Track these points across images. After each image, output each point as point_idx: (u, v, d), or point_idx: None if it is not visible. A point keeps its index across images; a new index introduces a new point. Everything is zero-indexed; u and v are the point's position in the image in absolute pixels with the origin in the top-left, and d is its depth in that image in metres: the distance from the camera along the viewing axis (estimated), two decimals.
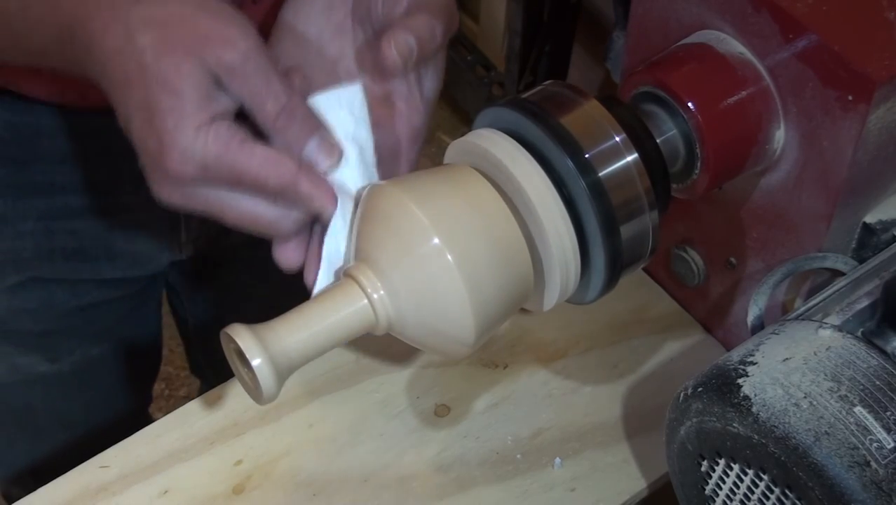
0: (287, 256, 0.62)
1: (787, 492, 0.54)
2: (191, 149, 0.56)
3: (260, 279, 0.60)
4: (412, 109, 0.65)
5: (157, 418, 0.74)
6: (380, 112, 0.65)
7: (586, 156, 0.58)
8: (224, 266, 1.02)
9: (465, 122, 2.17)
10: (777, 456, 0.53)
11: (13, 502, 0.69)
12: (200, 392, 1.31)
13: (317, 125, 0.60)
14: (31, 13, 0.60)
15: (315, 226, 0.62)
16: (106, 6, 0.57)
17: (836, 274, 0.65)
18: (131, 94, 0.57)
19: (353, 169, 0.62)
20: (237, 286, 1.05)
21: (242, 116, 0.58)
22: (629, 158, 0.59)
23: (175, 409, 0.73)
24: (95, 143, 0.82)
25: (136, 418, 1.07)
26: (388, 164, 0.65)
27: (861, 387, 0.53)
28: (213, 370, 1.23)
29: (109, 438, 0.72)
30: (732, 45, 0.63)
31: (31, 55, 0.63)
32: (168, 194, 0.58)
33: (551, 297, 0.61)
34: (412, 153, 0.66)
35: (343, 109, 0.62)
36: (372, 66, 0.65)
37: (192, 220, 0.90)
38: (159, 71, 0.55)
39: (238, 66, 0.56)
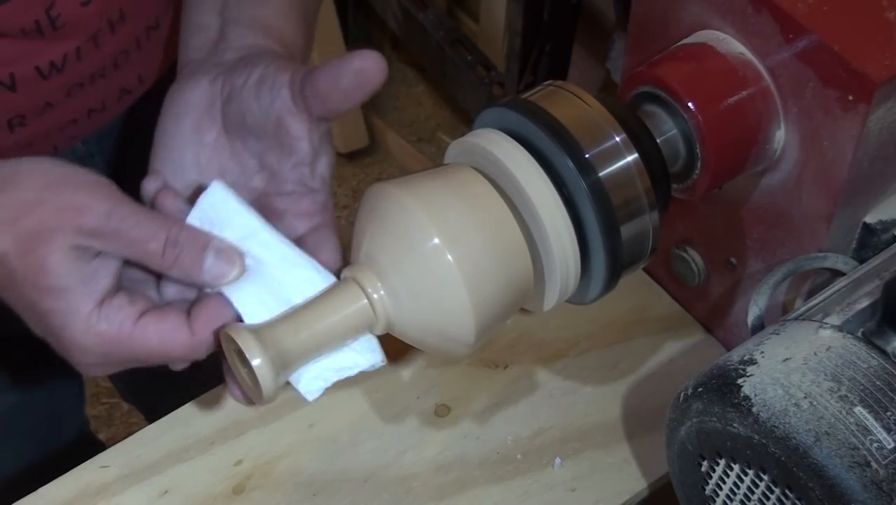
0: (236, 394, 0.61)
1: (788, 492, 0.54)
2: (85, 344, 0.55)
3: None
4: (311, 189, 0.63)
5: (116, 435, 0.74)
6: (279, 202, 0.63)
7: (586, 156, 0.58)
8: None
9: (465, 122, 2.17)
10: (777, 456, 0.53)
11: (13, 503, 0.69)
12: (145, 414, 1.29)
13: (206, 240, 0.57)
14: None
15: None
16: None
17: (837, 274, 0.65)
18: (12, 299, 0.56)
19: (267, 248, 0.59)
20: None
21: None
22: (629, 158, 0.59)
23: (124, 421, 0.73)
24: None
25: (76, 445, 1.06)
26: (309, 240, 0.62)
27: (861, 387, 0.53)
28: (138, 399, 1.21)
29: (53, 470, 0.72)
30: (733, 45, 0.63)
31: None
32: (91, 370, 0.58)
33: (551, 297, 0.61)
34: (329, 223, 0.63)
35: (220, 210, 0.59)
36: (267, 164, 0.63)
37: None
38: (27, 273, 0.54)
39: (103, 226, 0.54)
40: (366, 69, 0.57)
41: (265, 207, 0.62)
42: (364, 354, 0.59)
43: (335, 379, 0.59)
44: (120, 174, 0.64)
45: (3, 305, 0.79)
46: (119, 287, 0.57)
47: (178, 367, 0.59)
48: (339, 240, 0.62)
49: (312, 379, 0.59)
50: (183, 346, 0.56)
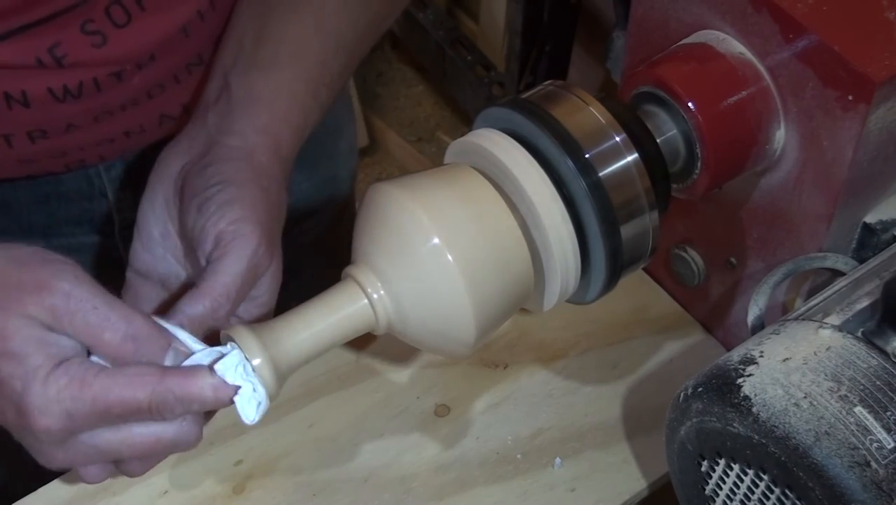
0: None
1: (788, 492, 0.54)
2: (45, 402, 0.53)
3: None
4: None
5: None
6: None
7: (586, 156, 0.58)
8: None
9: (465, 122, 2.17)
10: (777, 456, 0.53)
11: (12, 503, 0.69)
12: None
13: (167, 340, 0.55)
14: None
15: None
16: None
17: (837, 274, 0.65)
18: None
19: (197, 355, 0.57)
20: None
21: None
22: (629, 158, 0.59)
23: None
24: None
25: None
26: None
27: (861, 387, 0.53)
28: None
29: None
30: (732, 45, 0.63)
31: None
32: (54, 460, 0.56)
33: (551, 297, 0.61)
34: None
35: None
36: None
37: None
38: None
39: (61, 307, 0.53)
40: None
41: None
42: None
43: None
44: None
45: None
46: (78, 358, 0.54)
47: (166, 433, 0.55)
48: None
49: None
50: (151, 383, 0.53)
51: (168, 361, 0.55)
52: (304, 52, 0.69)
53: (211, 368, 0.54)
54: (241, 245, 0.59)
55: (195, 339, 0.56)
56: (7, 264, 0.55)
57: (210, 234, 0.59)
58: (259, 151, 0.63)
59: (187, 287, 0.59)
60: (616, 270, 0.60)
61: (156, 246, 0.64)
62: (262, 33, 0.69)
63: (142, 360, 0.54)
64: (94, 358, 0.55)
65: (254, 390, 0.55)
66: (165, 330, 0.56)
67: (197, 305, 0.58)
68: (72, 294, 0.53)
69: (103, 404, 0.53)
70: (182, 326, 0.57)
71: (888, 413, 0.52)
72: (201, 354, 0.56)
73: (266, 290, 0.62)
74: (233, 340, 0.55)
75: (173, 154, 0.65)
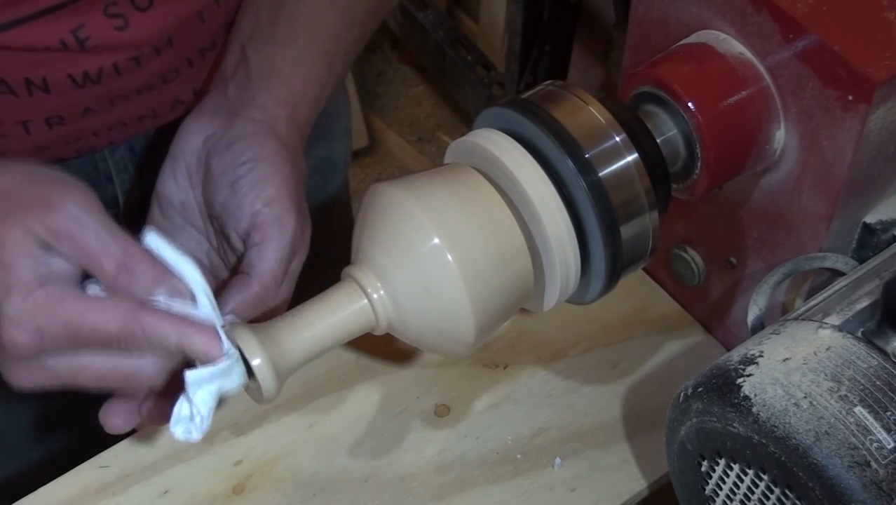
0: (113, 420, 0.60)
1: (788, 492, 0.54)
2: (19, 315, 0.53)
3: None
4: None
5: None
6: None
7: (586, 156, 0.58)
8: None
9: (465, 122, 2.17)
10: (777, 456, 0.53)
11: (12, 503, 0.69)
12: None
13: (162, 275, 0.56)
14: None
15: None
16: None
17: (837, 274, 0.65)
18: None
19: (202, 305, 0.57)
20: None
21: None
22: (629, 158, 0.59)
23: None
24: None
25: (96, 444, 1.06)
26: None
27: (861, 387, 0.53)
28: None
29: (88, 448, 0.71)
30: (732, 45, 0.63)
31: None
32: (15, 377, 0.56)
33: (551, 297, 0.61)
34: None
35: (165, 247, 0.58)
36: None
37: None
38: None
39: (65, 228, 0.54)
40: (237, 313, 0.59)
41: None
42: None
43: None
44: None
45: None
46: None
47: (124, 366, 0.56)
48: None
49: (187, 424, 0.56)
50: (124, 316, 0.54)
51: (161, 298, 0.55)
52: (319, 27, 0.71)
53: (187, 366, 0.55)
54: (281, 228, 0.61)
55: (206, 287, 0.57)
56: (23, 178, 0.56)
57: (246, 214, 0.61)
58: (280, 124, 0.65)
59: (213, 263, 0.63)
60: (616, 270, 0.60)
61: (175, 215, 0.66)
62: (278, 8, 0.70)
63: (135, 291, 0.55)
64: (90, 287, 0.56)
65: (190, 419, 0.55)
66: (167, 269, 0.56)
67: (249, 291, 0.60)
68: (78, 218, 0.54)
69: (74, 328, 0.54)
70: (234, 314, 0.58)
71: (888, 413, 0.52)
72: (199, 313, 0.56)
73: (297, 266, 0.64)
74: (234, 345, 0.55)
75: (195, 126, 0.66)
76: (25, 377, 0.56)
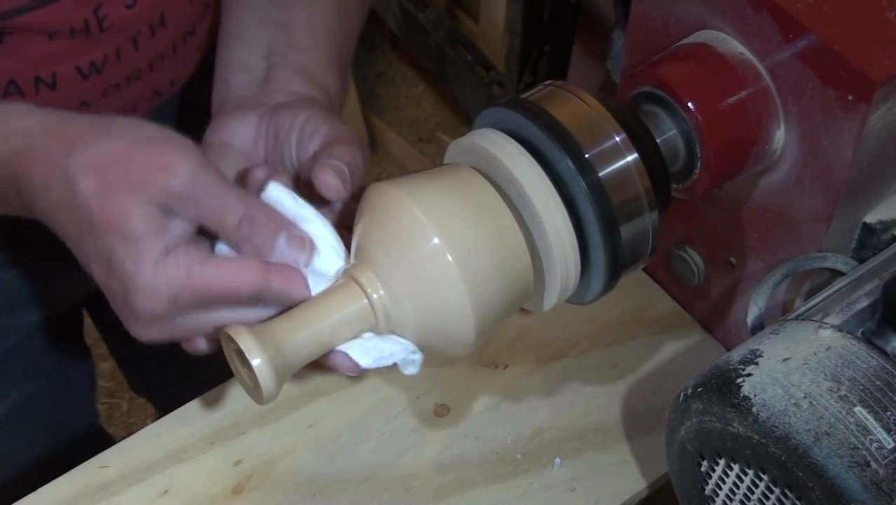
0: None
1: (787, 492, 0.54)
2: (154, 285, 0.56)
3: None
4: None
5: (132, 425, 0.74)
6: None
7: (586, 156, 0.58)
8: None
9: (465, 122, 2.17)
10: (777, 456, 0.53)
11: (12, 503, 0.69)
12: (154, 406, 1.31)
13: (281, 223, 0.59)
14: None
15: None
16: (42, 160, 0.57)
17: (836, 274, 0.65)
18: (84, 243, 0.57)
19: (324, 252, 0.60)
20: None
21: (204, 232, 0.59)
22: (629, 158, 0.59)
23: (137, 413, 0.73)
24: None
25: (87, 436, 1.06)
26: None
27: (861, 387, 0.53)
28: (150, 390, 1.23)
29: (65, 458, 0.72)
30: (732, 45, 0.63)
31: None
32: (145, 333, 0.58)
33: (551, 297, 0.61)
34: None
35: (280, 204, 0.61)
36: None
37: None
38: (107, 217, 0.55)
39: (186, 190, 0.56)
40: (328, 184, 0.60)
41: None
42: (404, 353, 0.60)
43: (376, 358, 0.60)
44: None
45: (28, 290, 0.78)
46: (188, 241, 0.58)
47: (247, 318, 0.58)
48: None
49: (360, 352, 0.60)
50: (253, 280, 0.57)
51: (281, 243, 0.58)
52: (334, 33, 0.73)
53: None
54: (347, 137, 0.63)
55: (328, 234, 0.60)
56: (135, 144, 0.57)
57: (317, 138, 0.63)
58: (321, 98, 0.69)
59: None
60: (616, 270, 0.60)
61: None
62: (291, 21, 0.72)
63: (256, 241, 0.58)
64: (218, 245, 0.59)
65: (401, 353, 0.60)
66: (286, 218, 0.59)
67: (343, 151, 0.61)
68: (197, 179, 0.56)
69: (207, 292, 0.56)
70: (333, 168, 0.60)
71: (888, 413, 0.52)
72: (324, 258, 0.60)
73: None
74: (234, 342, 0.55)
75: (235, 121, 0.67)
76: (155, 334, 0.58)
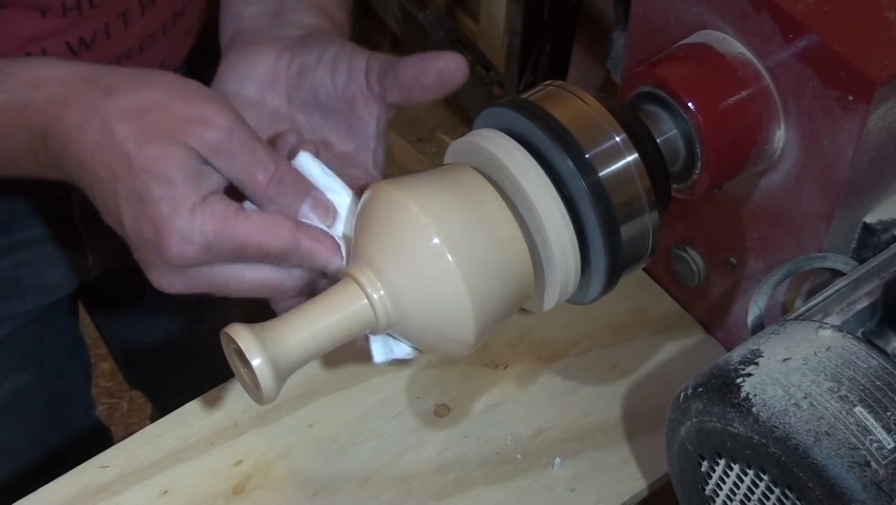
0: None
1: (787, 492, 0.54)
2: (189, 231, 0.56)
3: (171, 296, 0.61)
4: (369, 173, 0.67)
5: (132, 422, 0.75)
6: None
7: (586, 156, 0.58)
8: (133, 283, 1.02)
9: (465, 122, 2.17)
10: (777, 456, 0.53)
11: (12, 503, 0.69)
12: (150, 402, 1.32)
13: (307, 187, 0.60)
14: None
15: (321, 281, 0.63)
16: (77, 104, 0.57)
17: (836, 274, 0.65)
18: (118, 186, 0.57)
19: (349, 222, 0.62)
20: (147, 302, 1.05)
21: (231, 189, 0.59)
22: (629, 158, 0.59)
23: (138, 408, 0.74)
24: None
25: (84, 428, 1.07)
26: None
27: (861, 387, 0.53)
28: (144, 383, 1.23)
29: (63, 450, 0.72)
30: (732, 45, 0.63)
31: None
32: (170, 283, 0.58)
33: (551, 297, 0.61)
34: None
35: (308, 173, 0.62)
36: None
37: (97, 243, 0.90)
38: (145, 160, 0.55)
39: (223, 143, 0.57)
40: (449, 70, 0.62)
41: None
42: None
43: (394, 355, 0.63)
44: None
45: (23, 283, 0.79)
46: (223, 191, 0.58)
47: (272, 278, 0.60)
48: None
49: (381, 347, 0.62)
50: (286, 237, 0.58)
51: (305, 207, 0.60)
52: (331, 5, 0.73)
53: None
54: (392, 58, 0.64)
55: (343, 184, 0.61)
56: (172, 94, 0.57)
57: (356, 68, 0.64)
58: (333, 30, 0.70)
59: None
60: (616, 270, 0.60)
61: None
62: None
63: (281, 202, 0.59)
64: (247, 203, 0.60)
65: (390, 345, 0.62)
66: (313, 184, 0.60)
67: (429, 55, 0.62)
68: (233, 133, 0.57)
69: (240, 244, 0.57)
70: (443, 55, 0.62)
71: (888, 413, 0.52)
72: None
73: None
74: (234, 341, 0.55)
75: (253, 54, 0.67)
76: (179, 284, 0.59)
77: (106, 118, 0.56)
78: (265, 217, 0.58)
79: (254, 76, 0.66)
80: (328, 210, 0.61)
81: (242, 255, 0.58)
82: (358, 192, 0.63)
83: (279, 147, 0.63)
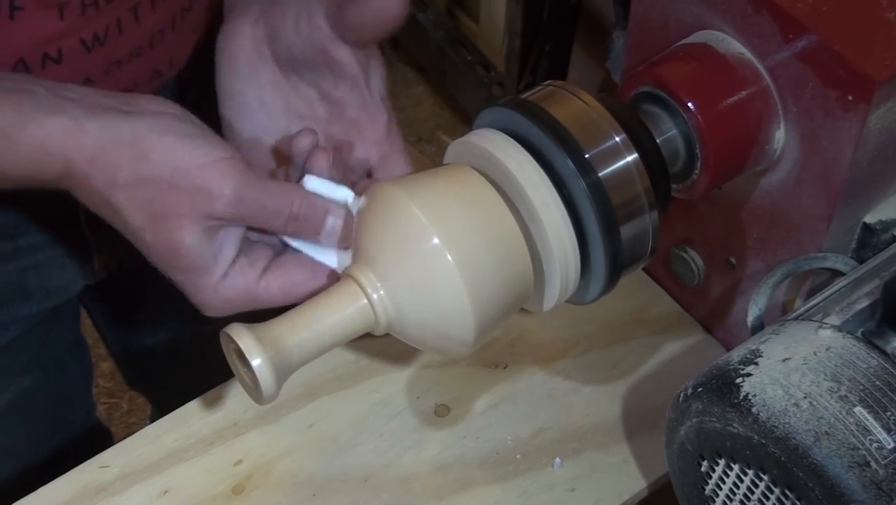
0: None
1: (787, 492, 0.54)
2: (214, 307, 0.61)
3: (171, 298, 0.63)
4: (372, 111, 0.67)
5: (132, 422, 0.75)
6: (345, 131, 0.68)
7: (586, 156, 0.58)
8: (137, 286, 1.03)
9: (465, 122, 2.17)
10: (777, 456, 0.53)
11: (12, 503, 0.69)
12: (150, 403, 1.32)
13: (323, 210, 0.62)
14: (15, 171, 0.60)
15: None
16: (85, 190, 0.59)
17: (836, 274, 0.65)
18: (144, 253, 0.60)
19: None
20: (148, 304, 1.05)
21: None
22: (629, 158, 0.59)
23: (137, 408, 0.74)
24: None
25: (85, 430, 1.07)
26: (382, 169, 0.68)
27: (861, 387, 0.53)
28: (144, 385, 1.23)
29: (64, 452, 0.72)
30: (732, 45, 0.63)
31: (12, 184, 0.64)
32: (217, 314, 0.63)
33: (551, 297, 0.61)
34: (398, 148, 0.68)
35: (321, 185, 0.64)
36: (324, 76, 0.67)
37: (103, 247, 0.91)
38: (160, 250, 0.59)
39: (231, 211, 0.59)
40: (385, 9, 0.63)
41: (335, 143, 0.67)
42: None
43: None
44: None
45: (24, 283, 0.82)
46: (240, 251, 0.61)
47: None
48: (410, 164, 0.68)
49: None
50: (306, 293, 0.61)
51: (329, 223, 0.63)
52: None
53: None
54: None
55: (340, 187, 0.63)
56: (174, 175, 0.58)
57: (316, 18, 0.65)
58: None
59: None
60: (616, 270, 0.60)
61: (256, 112, 0.68)
62: None
63: (305, 235, 0.62)
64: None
65: None
66: (327, 205, 0.63)
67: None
68: (240, 200, 0.59)
69: (265, 305, 0.62)
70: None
71: (888, 413, 0.52)
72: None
73: None
74: (234, 341, 0.55)
75: (232, 33, 0.68)
76: (225, 312, 0.62)
77: (118, 209, 0.58)
78: (283, 280, 0.62)
79: (238, 54, 0.67)
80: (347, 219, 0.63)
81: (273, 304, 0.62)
82: (359, 192, 0.63)
83: (295, 153, 0.64)
